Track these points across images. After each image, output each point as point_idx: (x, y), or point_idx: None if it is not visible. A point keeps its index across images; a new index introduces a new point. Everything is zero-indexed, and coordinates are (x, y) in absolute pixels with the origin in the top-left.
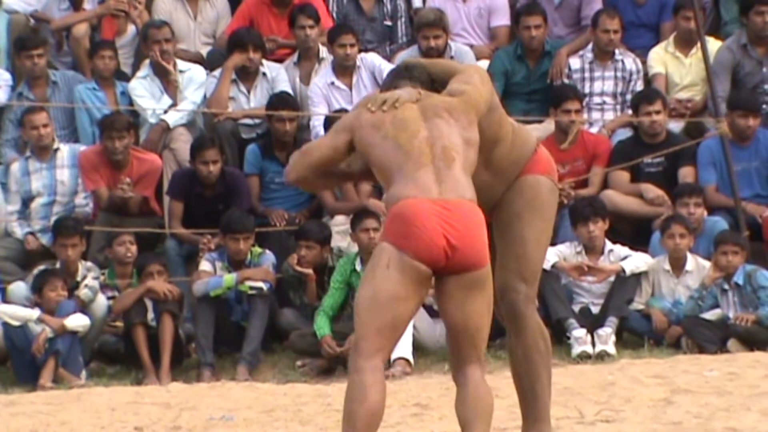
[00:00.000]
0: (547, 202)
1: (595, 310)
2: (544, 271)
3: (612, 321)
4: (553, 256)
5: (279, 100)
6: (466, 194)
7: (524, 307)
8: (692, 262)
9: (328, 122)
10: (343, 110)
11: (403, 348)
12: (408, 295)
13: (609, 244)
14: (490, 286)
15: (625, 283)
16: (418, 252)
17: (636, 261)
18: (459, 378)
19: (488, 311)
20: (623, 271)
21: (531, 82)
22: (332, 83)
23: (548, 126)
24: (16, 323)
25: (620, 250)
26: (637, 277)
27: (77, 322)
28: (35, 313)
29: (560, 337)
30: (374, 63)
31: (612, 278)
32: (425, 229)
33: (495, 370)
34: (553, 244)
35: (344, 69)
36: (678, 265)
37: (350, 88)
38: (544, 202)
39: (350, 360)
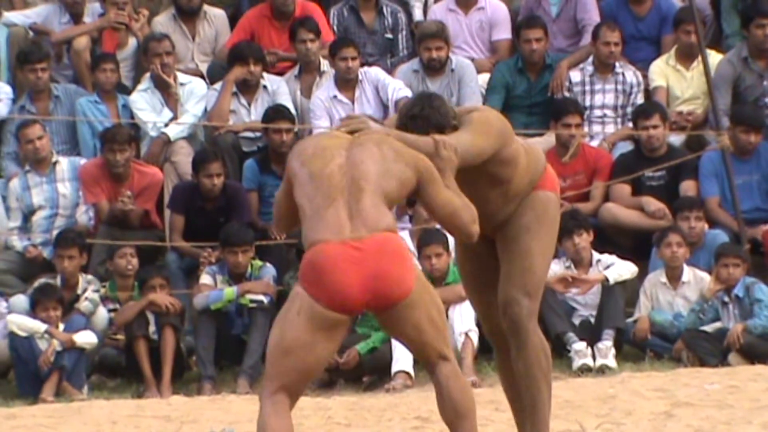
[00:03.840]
0: (554, 219)
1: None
2: None
3: (608, 333)
4: None
5: (275, 112)
6: (380, 225)
7: (527, 322)
8: (689, 273)
9: None
10: None
11: (404, 361)
12: (315, 341)
13: (596, 255)
14: (422, 302)
15: (613, 292)
16: (330, 302)
17: (619, 269)
18: (433, 380)
19: (429, 321)
20: (607, 280)
21: (532, 96)
22: (335, 96)
23: (549, 139)
24: (23, 334)
25: (607, 258)
26: (623, 285)
27: (86, 339)
28: (43, 326)
29: (560, 351)
30: (378, 77)
31: (599, 289)
32: (338, 278)
33: (495, 383)
34: None
35: (346, 82)
36: (675, 277)
37: (353, 102)
38: (552, 217)
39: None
